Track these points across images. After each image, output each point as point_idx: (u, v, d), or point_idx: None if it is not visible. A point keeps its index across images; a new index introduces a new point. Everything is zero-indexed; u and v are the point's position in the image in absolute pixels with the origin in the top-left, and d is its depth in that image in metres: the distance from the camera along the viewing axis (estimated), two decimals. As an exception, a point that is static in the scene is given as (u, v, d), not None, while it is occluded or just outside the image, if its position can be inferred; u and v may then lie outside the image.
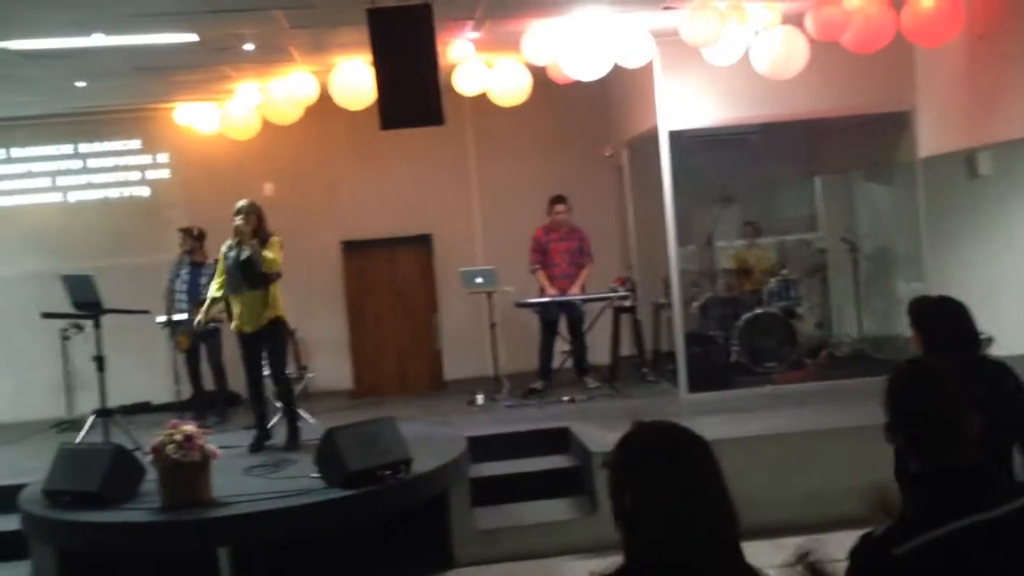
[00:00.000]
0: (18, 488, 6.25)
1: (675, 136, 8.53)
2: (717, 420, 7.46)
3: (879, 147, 9.34)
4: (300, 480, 5.77)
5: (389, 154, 10.31)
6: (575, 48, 7.49)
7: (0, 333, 10.20)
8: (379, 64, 5.83)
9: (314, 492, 5.54)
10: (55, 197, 10.44)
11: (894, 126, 8.85)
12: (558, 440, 7.46)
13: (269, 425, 7.30)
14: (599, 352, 9.59)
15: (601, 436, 7.12)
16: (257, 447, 7.00)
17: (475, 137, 10.64)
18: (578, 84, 8.20)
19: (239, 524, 5.31)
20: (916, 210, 8.76)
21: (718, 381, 8.61)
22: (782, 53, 7.31)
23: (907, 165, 8.87)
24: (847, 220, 10.36)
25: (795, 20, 7.23)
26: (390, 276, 10.65)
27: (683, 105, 8.47)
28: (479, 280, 9.14)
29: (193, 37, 7.02)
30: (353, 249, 10.55)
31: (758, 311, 9.10)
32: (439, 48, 6.34)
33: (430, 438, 6.88)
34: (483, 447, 7.15)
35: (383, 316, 10.59)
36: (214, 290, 7.28)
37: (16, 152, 10.36)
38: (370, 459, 5.57)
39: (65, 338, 9.39)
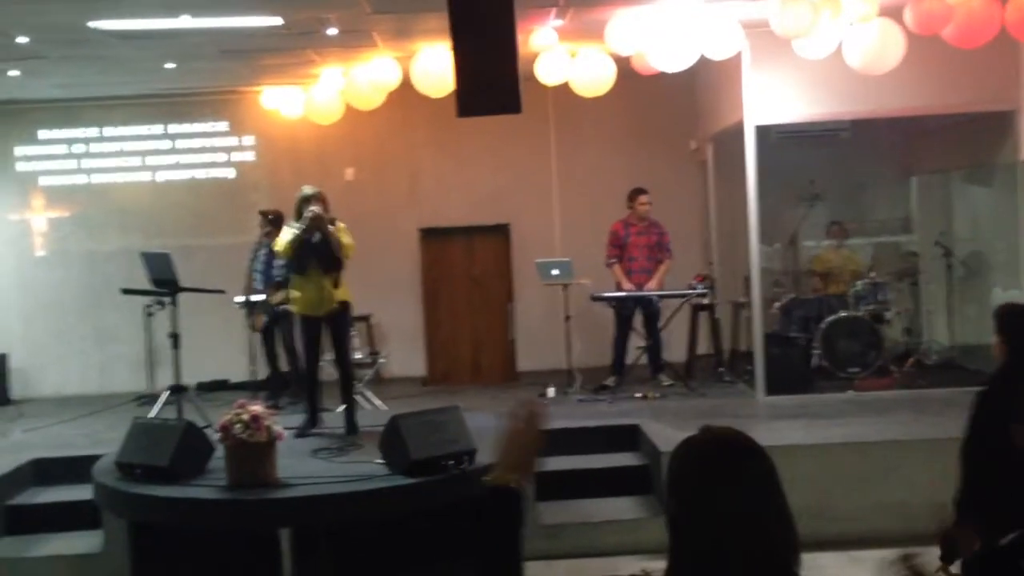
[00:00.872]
0: (95, 458, 6.40)
1: (762, 131, 8.31)
2: (795, 425, 7.25)
3: (980, 147, 8.92)
4: (364, 465, 5.76)
5: (470, 142, 10.28)
6: (661, 38, 7.31)
7: (90, 307, 10.52)
8: (457, 50, 5.76)
9: (377, 478, 5.51)
10: (144, 176, 10.69)
11: (997, 126, 8.44)
12: (628, 437, 7.33)
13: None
14: (675, 350, 9.41)
15: (672, 435, 6.96)
16: (304, 433, 6.79)
17: (557, 127, 10.53)
18: (663, 75, 8.03)
19: (301, 506, 5.32)
20: (1016, 214, 8.35)
21: (797, 385, 8.34)
22: (877, 47, 7.00)
23: (1009, 167, 8.46)
24: (943, 223, 9.93)
25: (893, 13, 6.93)
26: (467, 264, 10.63)
27: (771, 99, 8.22)
28: (555, 272, 9.05)
29: (277, 20, 7.07)
30: (431, 236, 10.55)
31: (843, 314, 8.79)
32: (521, 36, 6.25)
33: (496, 430, 6.80)
34: (551, 441, 6.98)
35: (458, 304, 10.58)
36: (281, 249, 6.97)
37: (109, 131, 10.63)
38: (434, 448, 5.52)
39: (149, 314, 9.57)
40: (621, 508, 6.66)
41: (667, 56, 7.36)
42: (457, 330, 10.55)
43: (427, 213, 10.54)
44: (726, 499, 1.73)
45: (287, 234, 6.90)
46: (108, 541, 6.10)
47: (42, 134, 10.58)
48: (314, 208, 6.75)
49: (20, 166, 10.61)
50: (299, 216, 6.83)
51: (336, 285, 6.90)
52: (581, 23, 7.53)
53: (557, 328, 9.36)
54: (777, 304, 9.18)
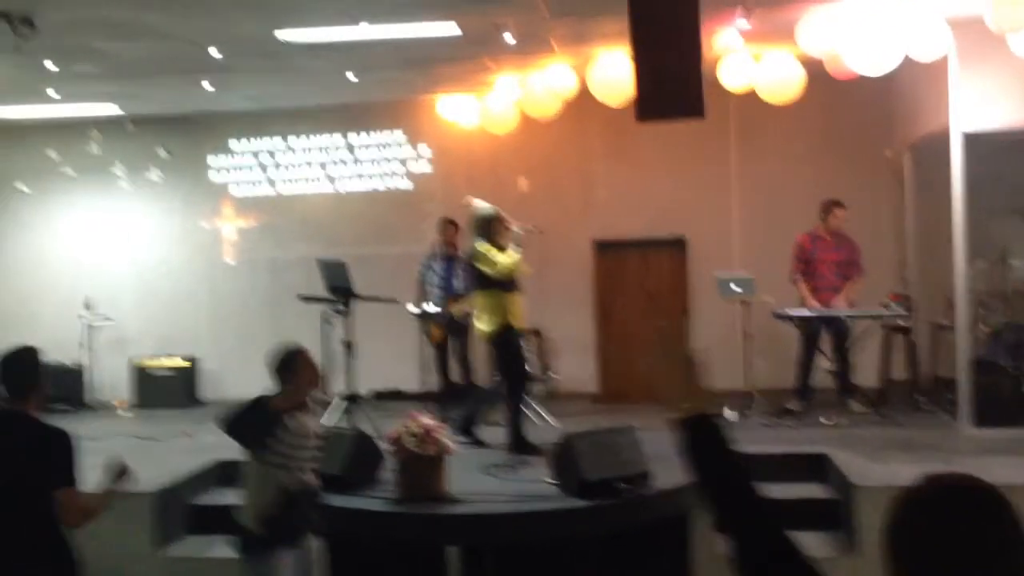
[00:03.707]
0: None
1: (970, 138, 7.59)
2: (1007, 462, 6.52)
3: None
4: (536, 485, 5.56)
5: (647, 152, 9.97)
6: (859, 38, 6.80)
7: (272, 314, 10.82)
8: (638, 50, 5.49)
9: (548, 499, 5.30)
10: (326, 187, 10.94)
11: None
12: (814, 467, 6.82)
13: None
14: (865, 374, 8.76)
15: (865, 467, 6.42)
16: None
17: (738, 136, 10.07)
18: (858, 79, 7.48)
19: (470, 523, 5.18)
20: None
21: (1009, 417, 7.54)
22: (1113, 41, 6.26)
23: None
24: None
25: None
26: (641, 278, 10.30)
27: (982, 103, 7.50)
28: (736, 287, 8.60)
29: (453, 26, 7.01)
30: (605, 249, 10.29)
31: (1063, 340, 7.93)
32: (704, 38, 5.92)
33: (672, 453, 6.46)
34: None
35: (632, 319, 10.25)
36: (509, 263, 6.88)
37: (293, 141, 10.94)
38: (607, 470, 5.25)
39: (327, 322, 9.76)
40: (807, 544, 6.10)
41: (866, 58, 6.84)
42: (630, 345, 10.21)
43: (601, 225, 10.29)
44: (987, 560, 1.47)
45: (496, 253, 6.85)
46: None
47: (233, 144, 11.01)
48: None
49: (212, 176, 11.08)
50: (486, 233, 6.83)
51: None
52: (769, 23, 7.11)
53: (735, 346, 8.89)
54: (984, 328, 8.37)
